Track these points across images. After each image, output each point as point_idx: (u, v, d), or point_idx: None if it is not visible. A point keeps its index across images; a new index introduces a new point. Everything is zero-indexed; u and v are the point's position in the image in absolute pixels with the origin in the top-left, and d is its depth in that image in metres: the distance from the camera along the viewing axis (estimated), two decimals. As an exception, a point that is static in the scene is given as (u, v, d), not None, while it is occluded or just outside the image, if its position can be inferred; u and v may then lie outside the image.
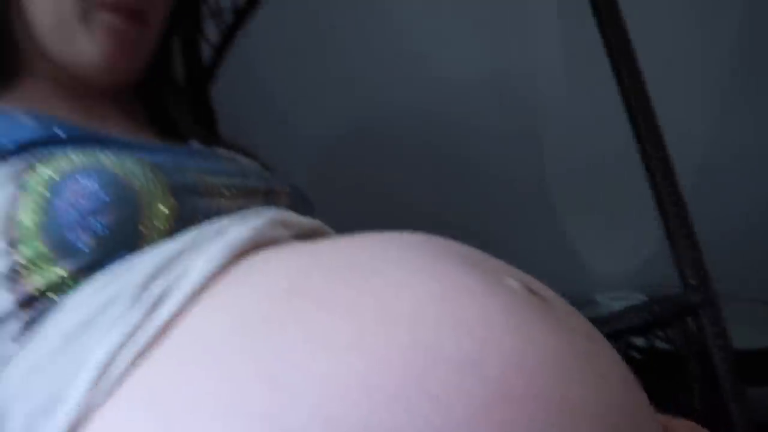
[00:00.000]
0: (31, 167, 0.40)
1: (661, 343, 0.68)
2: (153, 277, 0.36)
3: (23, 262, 0.38)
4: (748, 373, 0.70)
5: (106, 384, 0.31)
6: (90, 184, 0.40)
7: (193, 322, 0.33)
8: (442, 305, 0.29)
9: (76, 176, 0.40)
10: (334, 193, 1.12)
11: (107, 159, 0.42)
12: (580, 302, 1.16)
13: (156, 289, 0.35)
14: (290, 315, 0.30)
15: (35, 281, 0.38)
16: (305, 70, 1.16)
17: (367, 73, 1.19)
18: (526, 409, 0.26)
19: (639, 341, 0.72)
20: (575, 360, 0.30)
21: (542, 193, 1.28)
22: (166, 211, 0.42)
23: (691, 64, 1.21)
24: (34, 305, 0.38)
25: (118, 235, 0.39)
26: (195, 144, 0.59)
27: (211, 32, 0.89)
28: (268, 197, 0.51)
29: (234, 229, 0.40)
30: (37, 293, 0.38)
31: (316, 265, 0.34)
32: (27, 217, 0.38)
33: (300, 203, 0.54)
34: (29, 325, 0.37)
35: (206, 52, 0.90)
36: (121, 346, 0.32)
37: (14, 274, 0.38)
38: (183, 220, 0.42)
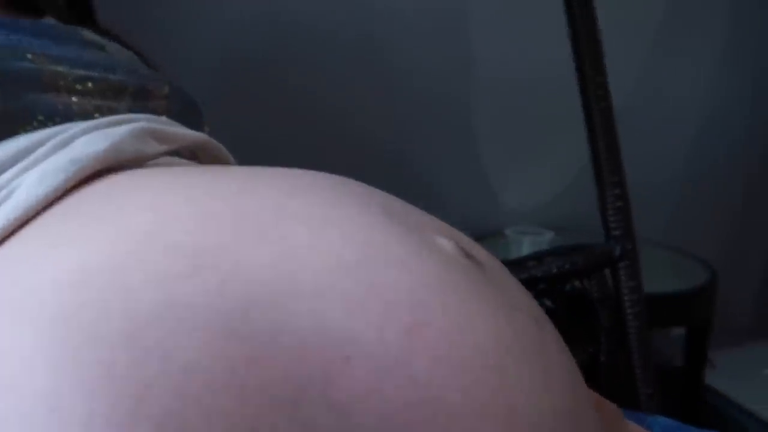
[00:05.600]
0: None
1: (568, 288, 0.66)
2: None
3: None
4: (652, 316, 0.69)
5: None
6: None
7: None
8: (356, 274, 0.22)
9: None
10: (237, 91, 1.00)
11: None
12: (490, 235, 1.13)
13: None
14: None
15: None
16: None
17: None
18: (461, 423, 0.20)
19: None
20: (521, 354, 0.23)
21: (463, 121, 1.22)
22: None
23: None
24: None
25: None
26: (50, 20, 0.46)
27: None
28: (138, 98, 0.39)
29: (83, 141, 0.30)
30: None
31: (183, 216, 0.25)
32: None
33: (184, 110, 0.43)
34: None
35: None
36: None
37: None
38: (11, 120, 0.31)
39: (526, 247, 1.08)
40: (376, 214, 0.26)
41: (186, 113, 0.43)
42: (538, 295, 0.62)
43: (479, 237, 1.25)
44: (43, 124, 0.32)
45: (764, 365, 1.18)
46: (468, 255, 0.27)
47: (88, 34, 0.47)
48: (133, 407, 0.18)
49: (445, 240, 0.27)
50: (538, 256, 0.66)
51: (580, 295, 0.61)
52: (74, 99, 0.35)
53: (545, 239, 1.08)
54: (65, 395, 0.19)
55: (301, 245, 0.23)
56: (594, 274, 0.60)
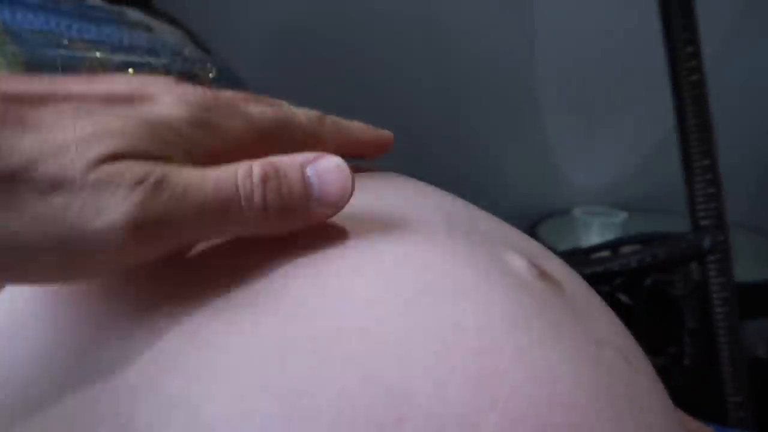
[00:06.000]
0: None
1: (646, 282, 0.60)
2: None
3: None
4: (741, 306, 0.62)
5: None
6: None
7: None
8: (410, 309, 0.18)
9: None
10: (292, 69, 0.97)
11: None
12: (556, 215, 1.07)
13: None
14: None
15: None
16: None
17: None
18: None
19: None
20: (611, 406, 0.19)
21: (527, 89, 1.14)
22: None
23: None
24: None
25: None
26: (94, 1, 0.44)
27: None
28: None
29: None
30: None
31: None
32: None
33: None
34: None
35: None
36: None
37: None
38: None
39: (595, 229, 1.02)
40: (438, 226, 0.22)
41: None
42: (614, 290, 0.57)
43: (544, 217, 1.19)
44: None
45: None
46: (542, 273, 0.23)
47: (134, 15, 0.45)
48: None
49: (517, 257, 0.23)
50: (612, 245, 0.60)
51: (661, 291, 0.56)
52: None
53: (617, 221, 1.01)
54: None
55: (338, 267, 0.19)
56: (678, 267, 0.55)
